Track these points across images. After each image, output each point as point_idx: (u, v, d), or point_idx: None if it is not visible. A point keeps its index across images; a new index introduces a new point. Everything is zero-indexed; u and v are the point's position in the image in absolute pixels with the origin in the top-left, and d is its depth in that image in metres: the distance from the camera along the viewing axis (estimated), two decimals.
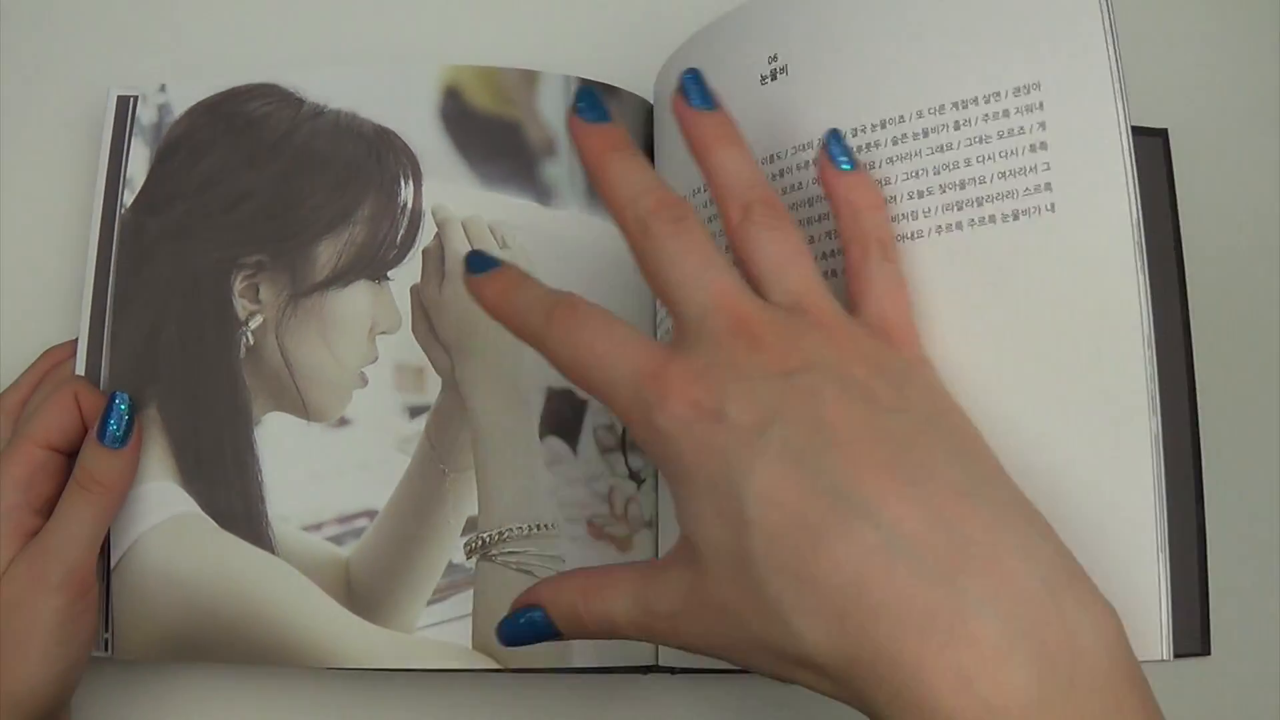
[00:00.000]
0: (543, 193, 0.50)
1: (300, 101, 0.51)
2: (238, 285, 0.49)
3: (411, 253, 0.49)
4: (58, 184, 0.55)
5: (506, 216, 0.50)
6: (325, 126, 0.50)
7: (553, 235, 0.50)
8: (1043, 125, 0.40)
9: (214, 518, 0.47)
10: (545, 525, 0.47)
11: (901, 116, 0.42)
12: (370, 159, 0.50)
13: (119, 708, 0.51)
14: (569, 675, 0.51)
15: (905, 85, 0.42)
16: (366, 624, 0.47)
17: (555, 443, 0.49)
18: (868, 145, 0.42)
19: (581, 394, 0.49)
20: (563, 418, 0.49)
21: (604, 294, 0.50)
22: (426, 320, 0.49)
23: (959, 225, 0.40)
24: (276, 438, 0.48)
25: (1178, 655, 0.41)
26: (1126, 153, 0.39)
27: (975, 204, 0.40)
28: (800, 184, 0.43)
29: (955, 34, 0.42)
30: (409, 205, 0.50)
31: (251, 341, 0.49)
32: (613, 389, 0.35)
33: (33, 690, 0.43)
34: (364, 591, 0.47)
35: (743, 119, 0.41)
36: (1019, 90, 0.40)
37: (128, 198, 0.50)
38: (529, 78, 0.52)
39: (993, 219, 0.40)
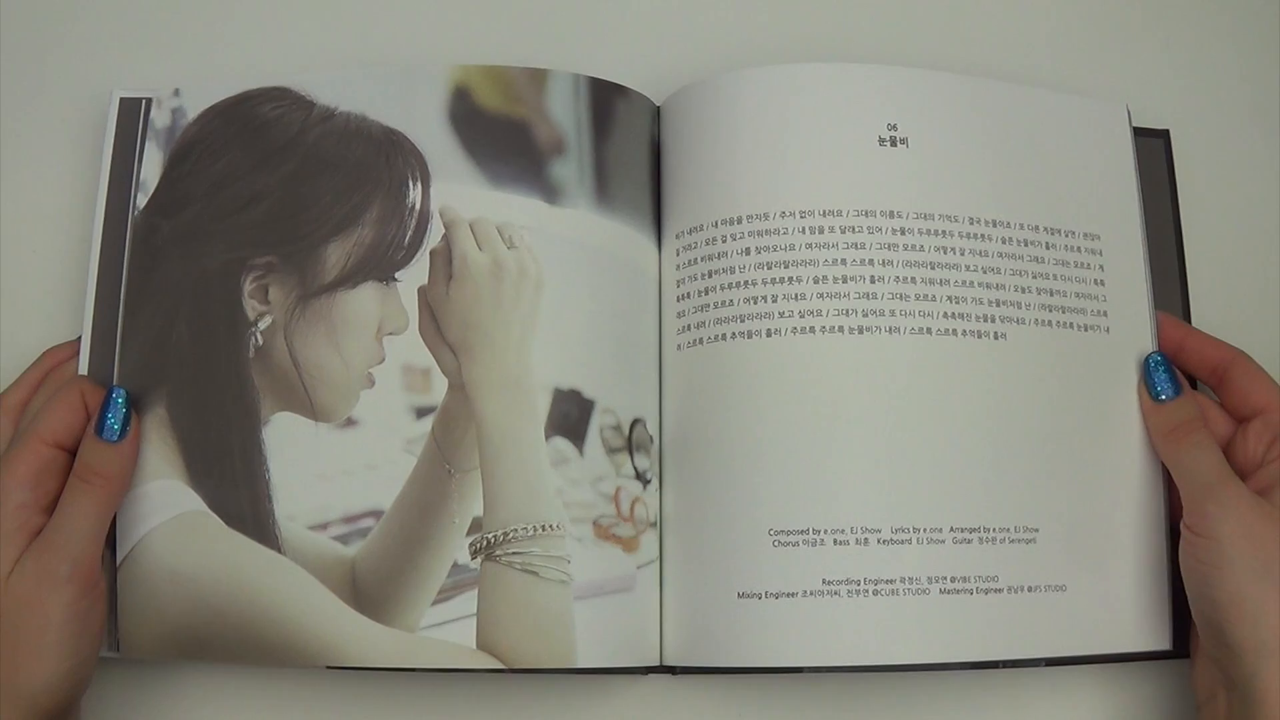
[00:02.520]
0: (550, 192, 0.49)
1: (311, 104, 0.49)
2: (247, 286, 0.47)
3: (419, 254, 0.48)
4: (62, 185, 0.53)
5: (514, 217, 0.48)
6: (335, 129, 0.48)
7: (560, 235, 0.48)
8: (1102, 268, 0.51)
9: (221, 516, 0.46)
10: (551, 526, 0.45)
11: (1008, 223, 0.50)
12: (379, 161, 0.48)
13: (126, 708, 0.49)
14: (572, 675, 0.49)
15: (1012, 198, 0.50)
16: (371, 623, 0.45)
17: (561, 443, 0.47)
18: (982, 235, 0.49)
19: (588, 394, 0.47)
20: (569, 418, 0.47)
21: (610, 294, 0.49)
22: (433, 321, 0.47)
23: (1050, 323, 0.50)
24: (284, 438, 0.47)
25: (1178, 655, 0.49)
26: (1150, 299, 0.51)
27: (1061, 310, 0.50)
28: (921, 246, 0.49)
29: (1048, 168, 0.51)
30: (417, 206, 0.48)
31: (260, 342, 0.47)
32: None
33: (46, 686, 0.42)
34: (369, 591, 0.46)
35: (859, 172, 0.49)
36: (1087, 235, 0.51)
37: (141, 200, 0.49)
38: (538, 77, 0.50)
39: (1071, 325, 0.50)
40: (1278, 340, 0.56)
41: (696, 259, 0.49)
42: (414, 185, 0.48)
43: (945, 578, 0.46)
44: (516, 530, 0.45)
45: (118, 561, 0.45)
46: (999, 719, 0.51)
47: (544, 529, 0.45)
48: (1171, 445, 0.48)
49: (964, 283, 0.49)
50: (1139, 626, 0.48)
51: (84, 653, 0.43)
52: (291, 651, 0.44)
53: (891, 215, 0.49)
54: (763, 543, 0.46)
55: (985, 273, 0.49)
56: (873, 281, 0.48)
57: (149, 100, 0.50)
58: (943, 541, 0.47)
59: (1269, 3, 0.61)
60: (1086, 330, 0.50)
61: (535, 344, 0.47)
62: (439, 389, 0.47)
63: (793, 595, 0.46)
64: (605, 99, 0.50)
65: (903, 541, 0.46)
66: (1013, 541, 0.47)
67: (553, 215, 0.48)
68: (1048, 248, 0.50)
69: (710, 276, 0.49)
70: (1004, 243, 0.50)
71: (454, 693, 0.50)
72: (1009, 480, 0.48)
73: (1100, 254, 0.51)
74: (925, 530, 0.47)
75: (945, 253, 0.49)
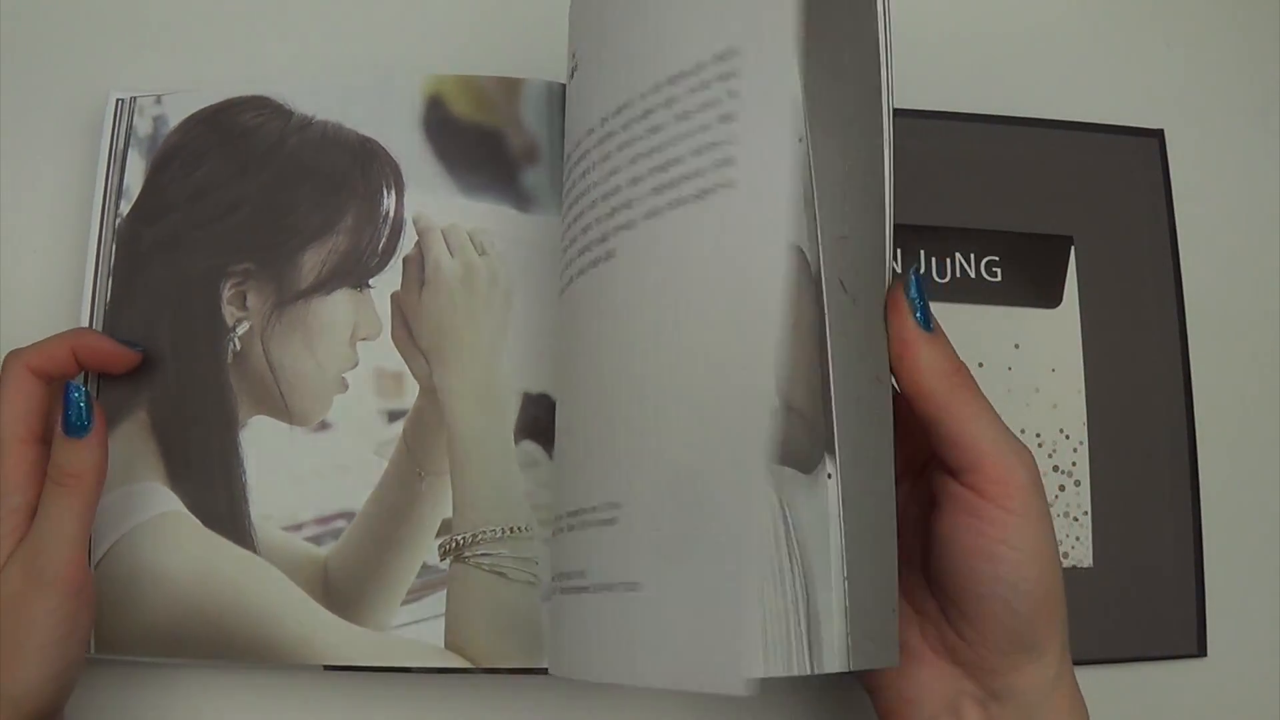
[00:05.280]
0: (522, 200, 0.48)
1: (289, 113, 0.49)
2: (226, 293, 0.47)
3: (393, 260, 0.48)
4: (60, 186, 0.53)
5: (485, 224, 0.48)
6: (312, 137, 0.49)
7: (530, 242, 0.48)
8: (733, 94, 0.32)
9: (200, 517, 0.46)
10: (519, 528, 0.45)
11: (629, 101, 0.36)
12: (354, 169, 0.48)
13: (109, 709, 0.49)
14: (539, 675, 0.48)
15: (636, 68, 0.36)
16: (342, 622, 0.45)
17: (530, 446, 0.46)
18: (606, 135, 0.37)
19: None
20: (538, 422, 0.46)
21: None
22: (406, 326, 0.47)
23: (660, 211, 0.34)
24: (260, 440, 0.47)
25: (1177, 656, 0.47)
26: (794, 126, 0.34)
27: (673, 185, 0.33)
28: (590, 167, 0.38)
29: (668, 4, 0.36)
30: (391, 214, 0.48)
31: (238, 347, 0.47)
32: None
33: (31, 691, 0.41)
34: (341, 591, 0.46)
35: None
36: (718, 57, 0.33)
37: (124, 208, 0.49)
38: (511, 85, 0.49)
39: (684, 201, 0.33)
40: (1276, 339, 0.55)
41: None
42: (388, 193, 0.48)
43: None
44: (485, 532, 0.45)
45: (94, 561, 0.45)
46: None
47: (513, 531, 0.45)
48: (950, 390, 0.36)
49: (589, 204, 0.37)
50: (775, 639, 0.33)
51: (70, 657, 0.42)
52: (265, 649, 0.44)
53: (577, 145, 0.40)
54: None
55: (607, 178, 0.36)
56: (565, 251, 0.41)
57: (133, 100, 0.50)
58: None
59: (1268, 3, 0.59)
60: (703, 198, 0.33)
61: (505, 349, 0.46)
62: (410, 393, 0.47)
63: None
64: None
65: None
66: (599, 524, 0.35)
67: (524, 223, 0.48)
68: (669, 105, 0.34)
69: None
70: (625, 128, 0.36)
71: (423, 691, 0.49)
72: (594, 445, 0.36)
73: (734, 76, 0.33)
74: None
75: (578, 181, 0.39)
